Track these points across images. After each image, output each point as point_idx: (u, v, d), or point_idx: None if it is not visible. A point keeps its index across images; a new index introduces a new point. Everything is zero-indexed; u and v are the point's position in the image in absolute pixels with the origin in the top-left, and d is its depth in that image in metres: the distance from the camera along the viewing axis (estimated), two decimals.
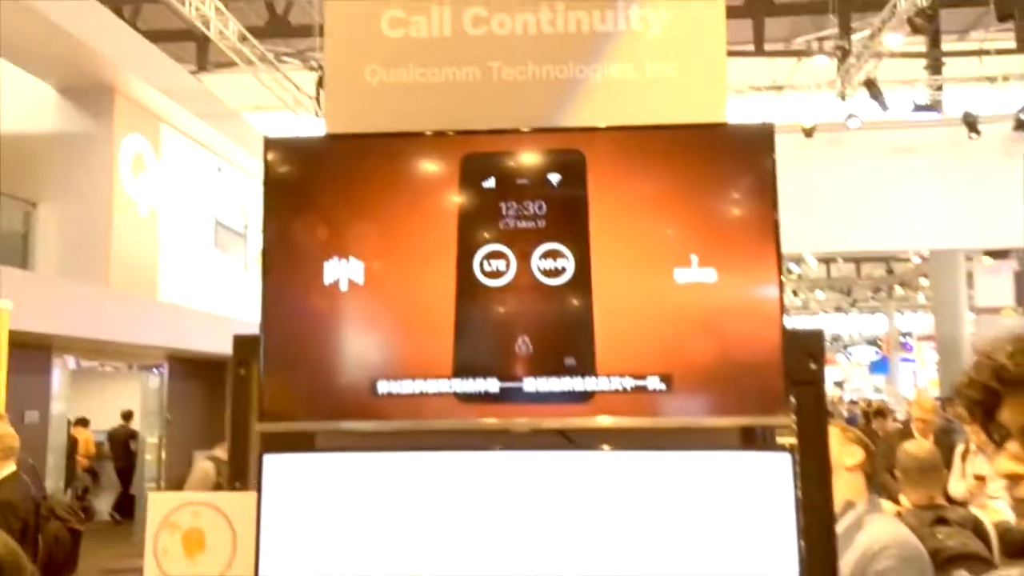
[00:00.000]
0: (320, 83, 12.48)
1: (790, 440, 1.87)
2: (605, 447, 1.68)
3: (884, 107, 11.82)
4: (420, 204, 1.76)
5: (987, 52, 12.61)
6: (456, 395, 1.71)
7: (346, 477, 1.72)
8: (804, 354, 1.81)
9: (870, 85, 11.60)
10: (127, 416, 13.56)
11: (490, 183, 1.74)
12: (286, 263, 1.81)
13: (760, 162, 1.69)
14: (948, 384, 14.94)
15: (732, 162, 1.71)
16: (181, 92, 11.71)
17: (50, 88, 10.82)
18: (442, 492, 1.69)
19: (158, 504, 1.84)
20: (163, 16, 13.13)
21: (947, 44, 13.60)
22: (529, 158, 1.75)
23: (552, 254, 1.71)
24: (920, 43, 13.13)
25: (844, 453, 2.31)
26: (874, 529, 2.18)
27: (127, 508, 13.26)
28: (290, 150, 1.83)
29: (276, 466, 1.74)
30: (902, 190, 12.72)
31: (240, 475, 2.02)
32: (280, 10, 14.19)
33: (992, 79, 12.27)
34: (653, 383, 1.68)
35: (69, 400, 11.52)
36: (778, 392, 1.67)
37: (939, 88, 12.65)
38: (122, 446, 13.43)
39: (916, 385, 24.99)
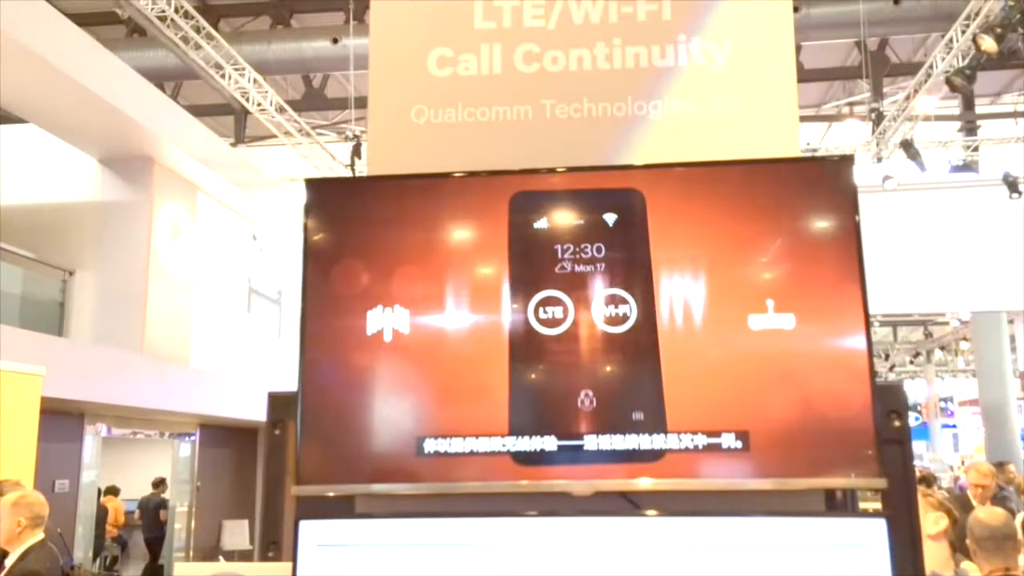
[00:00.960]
0: (356, 151, 12.62)
1: (873, 505, 1.71)
2: (675, 513, 1.52)
3: (922, 168, 11.66)
4: (468, 247, 1.65)
5: (1023, 114, 12.47)
6: (511, 454, 1.56)
7: (389, 545, 1.57)
8: (887, 410, 1.65)
9: (907, 146, 11.46)
10: (158, 484, 13.42)
11: (542, 223, 1.63)
12: (326, 312, 1.69)
13: (840, 196, 1.56)
14: (994, 450, 14.45)
15: (809, 197, 1.58)
16: (218, 161, 11.89)
17: (91, 158, 11.02)
18: (494, 562, 1.54)
19: (185, 574, 1.70)
20: (203, 92, 13.44)
21: (980, 107, 13.49)
22: (585, 197, 1.64)
23: (614, 299, 1.58)
24: (954, 106, 13.04)
25: (927, 521, 2.11)
26: None
27: None
28: (331, 191, 1.73)
29: (313, 533, 1.59)
30: (941, 252, 12.49)
31: (273, 544, 1.88)
32: (316, 84, 14.45)
33: None
34: (728, 440, 1.53)
35: (100, 468, 11.42)
36: (867, 450, 1.51)
37: (975, 149, 12.50)
38: (153, 514, 13.26)
39: (962, 451, 24.24)
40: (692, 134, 1.76)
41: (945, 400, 28.83)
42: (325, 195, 1.72)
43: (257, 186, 12.95)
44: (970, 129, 13.01)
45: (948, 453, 24.95)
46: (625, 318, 1.58)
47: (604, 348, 1.57)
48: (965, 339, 21.54)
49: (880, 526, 1.48)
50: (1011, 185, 11.98)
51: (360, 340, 1.68)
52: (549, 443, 1.57)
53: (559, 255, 1.61)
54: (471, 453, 1.59)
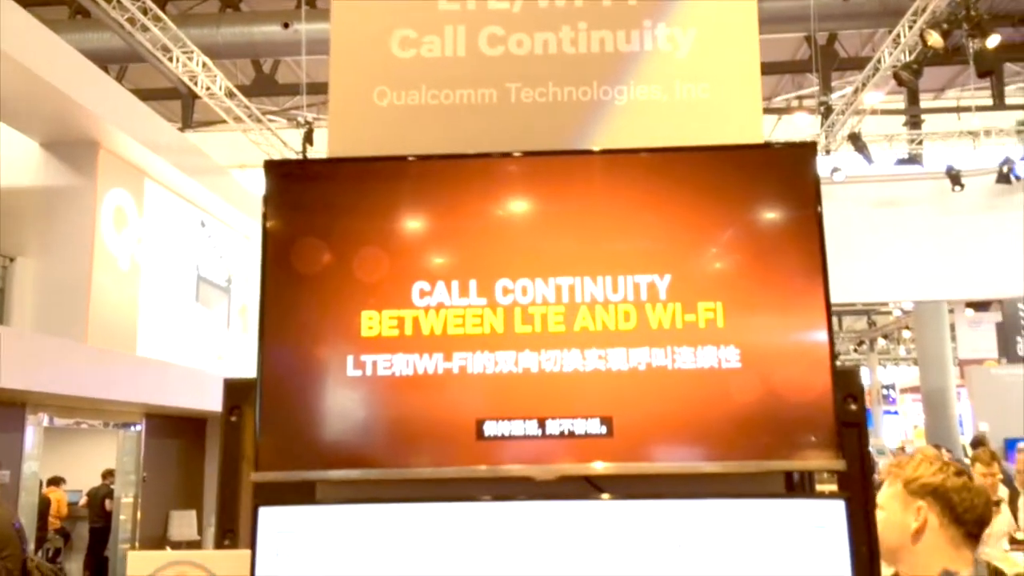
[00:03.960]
0: (308, 138, 12.45)
1: (829, 487, 1.74)
2: (632, 496, 1.53)
3: (869, 160, 11.90)
4: (430, 228, 1.63)
5: (967, 109, 12.80)
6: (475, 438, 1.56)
7: (350, 531, 1.55)
8: (844, 394, 1.68)
9: (854, 139, 11.70)
10: (107, 475, 13.17)
11: (503, 207, 1.62)
12: (285, 297, 1.66)
13: (803, 183, 1.57)
14: (934, 435, 14.86)
15: (771, 183, 1.59)
16: (166, 147, 11.64)
17: (33, 142, 10.71)
18: (457, 545, 1.53)
19: (139, 564, 1.66)
20: (149, 76, 13.14)
21: (925, 102, 13.82)
22: (541, 179, 1.63)
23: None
24: (899, 101, 13.34)
25: (908, 515, 1.83)
26: None
27: (102, 570, 12.79)
28: (291, 173, 1.70)
29: (272, 520, 1.57)
30: (886, 243, 12.77)
31: (229, 532, 1.85)
32: (267, 69, 14.22)
33: (974, 134, 12.41)
34: (690, 424, 1.54)
35: (42, 459, 11.16)
36: (827, 433, 1.53)
37: (920, 143, 12.79)
38: (100, 504, 13.01)
39: (903, 437, 24.85)
40: (656, 120, 1.76)
41: (887, 388, 29.53)
42: (285, 177, 1.69)
43: (206, 172, 12.72)
44: (914, 123, 13.32)
45: (890, 439, 25.56)
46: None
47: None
48: (907, 328, 22.06)
49: (839, 507, 1.51)
50: (954, 178, 12.29)
51: (321, 325, 1.65)
52: (516, 427, 1.57)
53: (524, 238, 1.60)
54: (435, 438, 1.58)
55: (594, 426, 1.57)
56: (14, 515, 5.13)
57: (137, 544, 12.78)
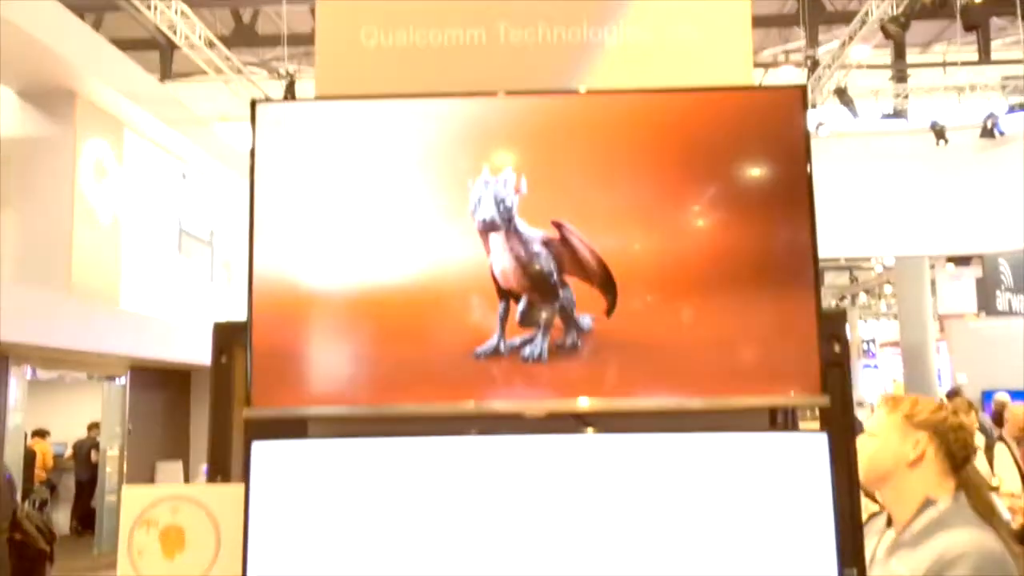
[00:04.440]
0: (290, 89, 12.28)
1: (812, 425, 1.78)
2: (616, 430, 1.57)
3: (855, 114, 11.90)
4: (421, 168, 1.64)
5: (953, 63, 12.78)
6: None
7: (342, 465, 1.58)
8: (829, 335, 1.71)
9: (840, 93, 11.68)
10: (92, 427, 13.21)
11: (488, 143, 1.63)
12: (275, 239, 1.67)
13: (792, 127, 1.59)
14: (912, 388, 15.07)
15: (761, 126, 1.60)
16: (145, 96, 11.47)
17: (9, 90, 10.52)
18: (446, 479, 1.56)
19: (133, 499, 1.68)
20: (126, 25, 12.89)
21: (911, 56, 13.77)
22: (525, 120, 1.64)
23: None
24: (885, 55, 13.30)
25: (906, 445, 1.99)
26: (954, 532, 1.90)
27: (88, 521, 12.89)
28: (280, 115, 1.69)
29: (265, 454, 1.59)
30: (869, 198, 12.81)
31: (221, 470, 1.87)
32: (246, 19, 13.97)
33: (960, 88, 12.41)
34: (673, 362, 1.57)
35: (27, 411, 11.17)
36: (812, 373, 1.57)
37: (905, 97, 12.79)
38: (87, 456, 13.07)
39: (882, 389, 25.22)
40: (647, 62, 1.76)
41: (867, 342, 29.85)
42: (274, 118, 1.68)
43: (186, 123, 12.55)
44: (900, 78, 13.29)
45: (869, 392, 25.89)
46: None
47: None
48: (889, 283, 22.25)
49: (821, 440, 1.55)
50: (938, 133, 12.31)
51: (311, 267, 1.66)
52: (501, 365, 1.59)
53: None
54: (425, 373, 1.60)
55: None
56: (4, 467, 5.16)
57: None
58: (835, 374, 1.68)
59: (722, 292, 1.62)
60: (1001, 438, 6.25)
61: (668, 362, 1.61)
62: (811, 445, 1.55)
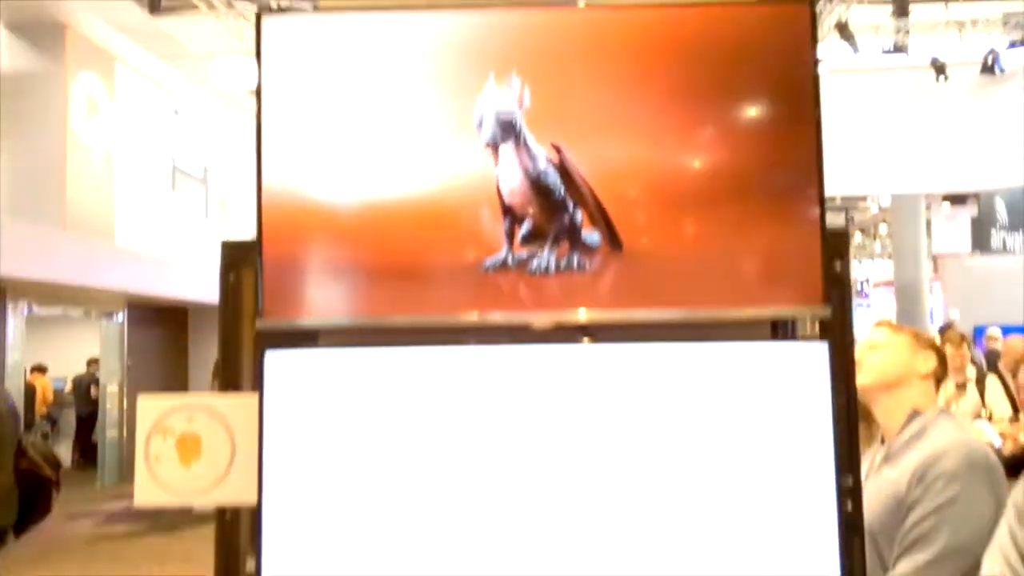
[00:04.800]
0: None
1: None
2: (616, 339, 1.60)
3: (855, 49, 11.76)
4: (427, 81, 1.64)
5: None
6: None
7: (352, 375, 1.62)
8: (832, 254, 1.74)
9: (842, 28, 11.52)
10: (91, 363, 13.32)
11: (493, 56, 1.63)
12: (283, 157, 1.67)
13: (798, 40, 1.59)
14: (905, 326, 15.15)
15: (766, 40, 1.60)
16: (136, 30, 11.28)
17: None
18: (453, 387, 1.60)
19: (149, 408, 1.72)
20: None
21: None
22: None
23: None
24: None
25: (917, 359, 2.18)
26: (939, 433, 2.06)
27: (90, 455, 13.08)
28: (285, 28, 1.68)
29: (277, 364, 1.63)
30: (867, 135, 12.75)
31: (232, 386, 1.91)
32: None
33: (961, 24, 12.25)
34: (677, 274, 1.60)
35: (26, 347, 11.24)
36: (815, 285, 1.60)
37: (906, 32, 12.62)
38: (86, 392, 13.21)
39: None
40: None
41: (861, 282, 29.99)
42: (279, 31, 1.68)
43: (178, 58, 12.35)
44: (901, 12, 13.10)
45: (861, 330, 26.05)
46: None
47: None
48: (884, 222, 22.28)
49: (822, 350, 1.59)
50: (938, 69, 12.20)
51: (318, 182, 1.67)
52: (509, 277, 1.62)
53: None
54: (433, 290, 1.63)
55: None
56: (7, 395, 5.22)
57: (125, 430, 13.01)
58: (836, 290, 1.71)
59: (728, 207, 1.63)
60: (994, 370, 6.35)
61: (674, 276, 1.63)
62: (812, 354, 1.59)
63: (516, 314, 1.63)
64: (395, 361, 1.62)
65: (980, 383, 6.11)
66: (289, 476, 1.60)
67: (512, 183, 1.62)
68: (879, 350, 2.23)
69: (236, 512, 1.78)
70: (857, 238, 28.06)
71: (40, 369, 13.05)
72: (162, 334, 13.72)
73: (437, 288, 1.64)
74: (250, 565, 1.79)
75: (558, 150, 1.62)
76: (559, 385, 1.60)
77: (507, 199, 1.63)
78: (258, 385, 1.61)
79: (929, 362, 2.20)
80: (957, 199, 16.73)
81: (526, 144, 1.61)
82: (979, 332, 10.10)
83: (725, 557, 1.57)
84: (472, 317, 1.64)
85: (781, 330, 1.76)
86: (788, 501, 1.58)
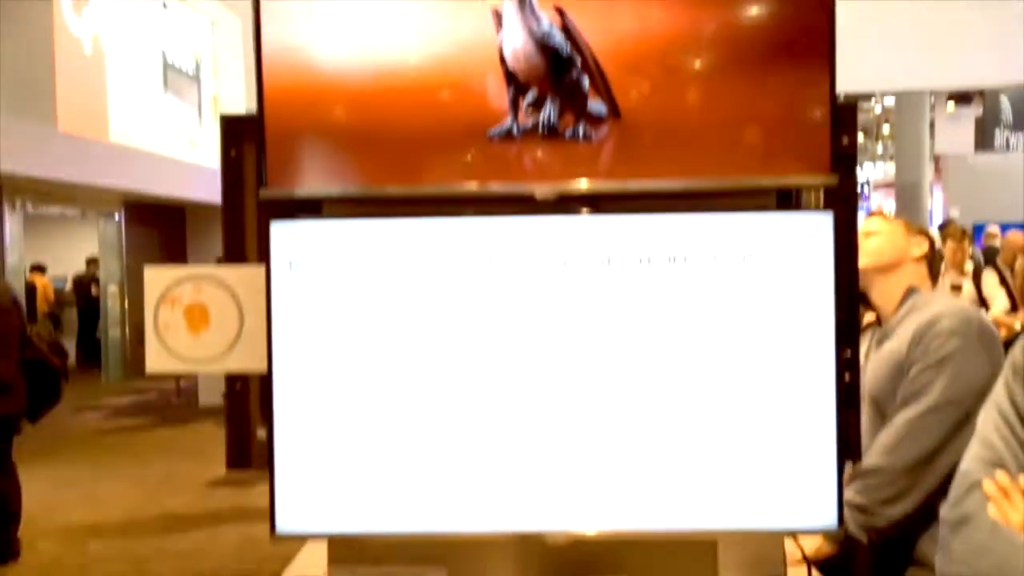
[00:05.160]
0: None
1: None
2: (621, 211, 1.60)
3: None
4: None
5: None
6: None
7: (358, 246, 1.62)
8: (840, 127, 1.72)
9: None
10: (91, 262, 13.35)
11: None
12: (284, 34, 1.63)
13: None
14: None
15: None
16: None
17: None
18: (457, 257, 1.61)
19: (156, 279, 1.73)
20: None
21: None
22: None
23: None
24: None
25: (911, 244, 2.28)
26: (935, 303, 2.13)
27: (92, 352, 13.24)
28: None
29: (282, 235, 1.63)
30: (871, 32, 12.46)
31: (238, 260, 1.91)
32: None
33: None
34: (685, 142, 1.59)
35: (25, 247, 11.24)
36: (823, 155, 1.59)
37: None
38: (87, 290, 13.29)
39: None
40: None
41: (862, 184, 29.88)
42: None
43: None
44: None
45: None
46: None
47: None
48: (887, 122, 22.04)
49: (826, 220, 1.59)
50: None
51: (319, 49, 1.64)
52: (514, 146, 1.61)
53: None
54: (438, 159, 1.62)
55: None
56: (10, 287, 5.24)
57: (127, 328, 13.15)
58: (843, 162, 1.70)
59: (736, 75, 1.60)
60: (991, 264, 6.38)
61: (679, 146, 1.62)
62: (816, 224, 1.59)
63: (518, 184, 1.63)
64: (397, 232, 1.62)
65: (977, 277, 6.16)
66: (297, 345, 1.62)
67: (515, 44, 1.58)
68: (875, 235, 2.28)
69: (246, 382, 1.81)
70: (859, 141, 27.76)
71: (40, 269, 13.08)
72: (160, 234, 13.71)
73: (442, 157, 1.62)
74: (261, 434, 1.84)
75: (561, 13, 1.59)
76: (560, 257, 1.61)
77: (511, 64, 1.60)
78: (264, 256, 1.62)
79: (922, 246, 2.30)
80: (962, 98, 16.51)
81: (530, 5, 1.57)
82: (978, 230, 10.11)
83: (726, 426, 1.60)
84: (472, 187, 1.63)
85: (785, 201, 1.76)
86: (788, 372, 1.61)
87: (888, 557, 2.08)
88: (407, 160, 1.64)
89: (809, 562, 1.79)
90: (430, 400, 1.62)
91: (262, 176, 1.69)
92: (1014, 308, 5.70)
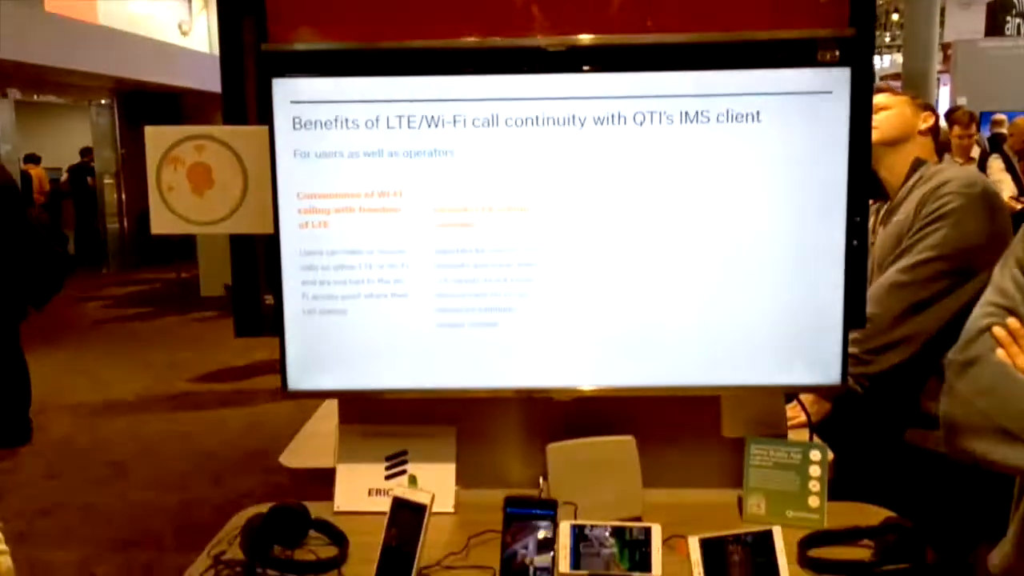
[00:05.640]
0: None
1: None
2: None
3: None
4: None
5: None
6: None
7: (363, 103, 1.58)
8: None
9: None
10: (85, 152, 13.18)
11: None
12: None
13: None
14: None
15: None
16: None
17: None
18: (464, 114, 1.58)
19: (157, 138, 1.70)
20: None
21: None
22: None
23: None
24: None
25: (918, 118, 2.25)
26: (941, 173, 2.12)
27: (89, 244, 13.22)
28: None
29: (284, 91, 1.59)
30: None
31: (238, 118, 1.87)
32: None
33: None
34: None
35: (18, 138, 11.08)
36: (840, 12, 1.54)
37: None
38: (83, 181, 13.16)
39: None
40: None
41: None
42: None
43: None
44: None
45: None
46: None
47: None
48: (896, 10, 21.45)
49: (843, 75, 1.55)
50: None
51: None
52: None
53: None
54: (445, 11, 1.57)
55: None
56: (6, 172, 5.17)
57: (125, 219, 13.10)
58: (861, 17, 1.65)
59: None
60: (999, 150, 6.31)
61: None
62: (833, 80, 1.55)
63: (522, 38, 1.58)
64: (401, 88, 1.58)
65: (982, 163, 6.10)
66: (303, 204, 1.60)
67: None
68: (883, 110, 2.26)
69: (251, 245, 1.79)
70: None
71: (34, 159, 12.91)
72: (155, 123, 13.47)
73: (444, 10, 1.57)
74: (269, 301, 1.83)
75: None
76: (569, 114, 1.57)
77: None
78: (267, 115, 1.58)
79: (928, 120, 2.28)
80: None
81: None
82: (985, 118, 9.95)
83: (734, 284, 1.60)
84: (473, 41, 1.59)
85: (801, 57, 1.71)
86: (798, 232, 1.60)
87: (887, 417, 2.12)
88: (407, 12, 1.59)
89: (812, 424, 1.82)
90: (437, 258, 1.61)
91: (263, 31, 1.64)
92: (1021, 194, 5.66)
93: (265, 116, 1.60)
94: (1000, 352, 1.21)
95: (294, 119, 1.58)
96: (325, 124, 1.58)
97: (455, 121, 1.58)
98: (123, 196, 12.95)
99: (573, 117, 1.56)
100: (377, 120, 1.58)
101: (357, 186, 1.60)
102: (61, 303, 9.56)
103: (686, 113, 1.56)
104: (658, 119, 1.56)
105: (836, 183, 1.59)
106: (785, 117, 1.57)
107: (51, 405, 6.06)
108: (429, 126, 1.58)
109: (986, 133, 8.63)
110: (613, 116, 1.56)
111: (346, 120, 1.58)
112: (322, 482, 1.77)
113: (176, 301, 10.33)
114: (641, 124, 1.56)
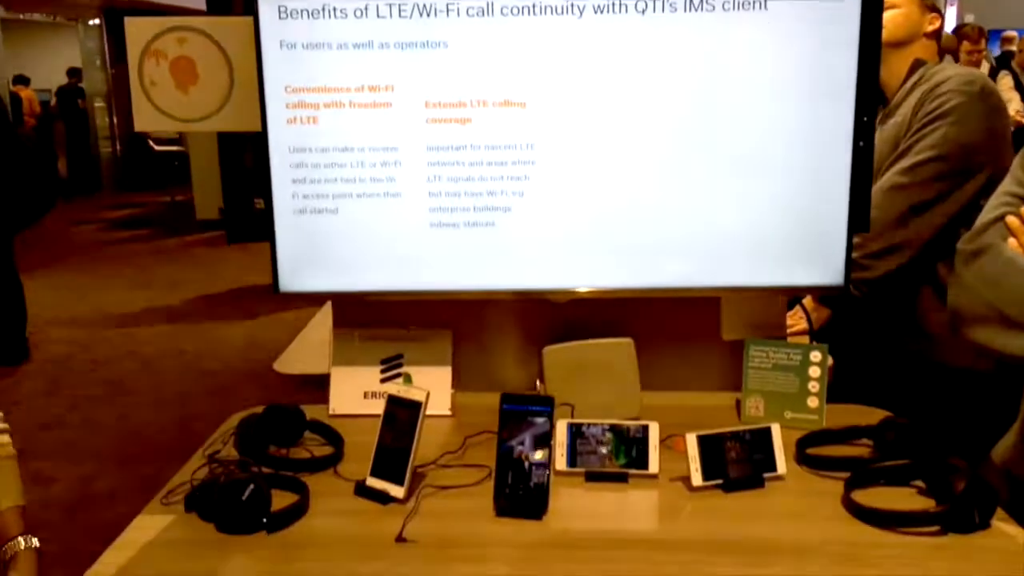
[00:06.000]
0: None
1: None
2: None
3: None
4: None
5: None
6: None
7: (350, 20, 1.51)
8: None
9: None
10: (73, 73, 12.92)
11: None
12: None
13: None
14: None
15: None
16: None
17: None
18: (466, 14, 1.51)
19: (137, 30, 1.63)
20: None
21: None
22: None
23: None
24: None
25: (925, 19, 2.16)
26: (940, 72, 2.03)
27: (81, 167, 13.07)
28: None
29: None
30: None
31: (222, 9, 1.80)
32: None
33: None
34: None
35: (4, 58, 10.84)
36: None
37: None
38: (72, 103, 12.94)
39: None
40: None
41: None
42: None
43: None
44: None
45: None
46: None
47: None
48: None
49: None
50: None
51: None
52: None
53: None
54: None
55: None
56: None
57: (117, 141, 12.93)
58: None
59: None
60: (1007, 67, 6.18)
61: None
62: None
63: None
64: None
65: (991, 79, 5.98)
66: (291, 101, 1.54)
67: None
68: (891, 9, 2.17)
69: (242, 150, 1.74)
70: None
71: (23, 80, 12.66)
72: None
73: None
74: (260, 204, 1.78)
75: None
76: (565, 3, 1.50)
77: None
78: (251, 5, 1.51)
79: (935, 22, 2.18)
80: None
81: None
82: (994, 35, 9.73)
83: (738, 183, 1.56)
84: None
85: None
86: (803, 130, 1.55)
87: (885, 326, 2.09)
88: None
89: (812, 329, 1.80)
90: (430, 155, 1.56)
91: None
92: None
93: (250, 7, 1.53)
94: (1012, 241, 1.17)
95: (279, 8, 1.51)
96: (312, 13, 1.51)
97: (448, 10, 1.51)
98: (115, 119, 12.75)
99: (572, 5, 1.50)
100: (366, 9, 1.51)
101: (347, 80, 1.54)
102: (57, 226, 9.51)
103: (690, 0, 1.49)
104: (661, 7, 1.49)
105: (845, 80, 1.54)
106: (793, 5, 1.50)
107: (50, 326, 6.06)
108: (421, 15, 1.51)
109: (995, 52, 8.45)
110: (613, 4, 1.49)
111: (334, 9, 1.51)
112: (316, 387, 1.75)
113: (172, 224, 10.27)
114: (643, 12, 1.50)
